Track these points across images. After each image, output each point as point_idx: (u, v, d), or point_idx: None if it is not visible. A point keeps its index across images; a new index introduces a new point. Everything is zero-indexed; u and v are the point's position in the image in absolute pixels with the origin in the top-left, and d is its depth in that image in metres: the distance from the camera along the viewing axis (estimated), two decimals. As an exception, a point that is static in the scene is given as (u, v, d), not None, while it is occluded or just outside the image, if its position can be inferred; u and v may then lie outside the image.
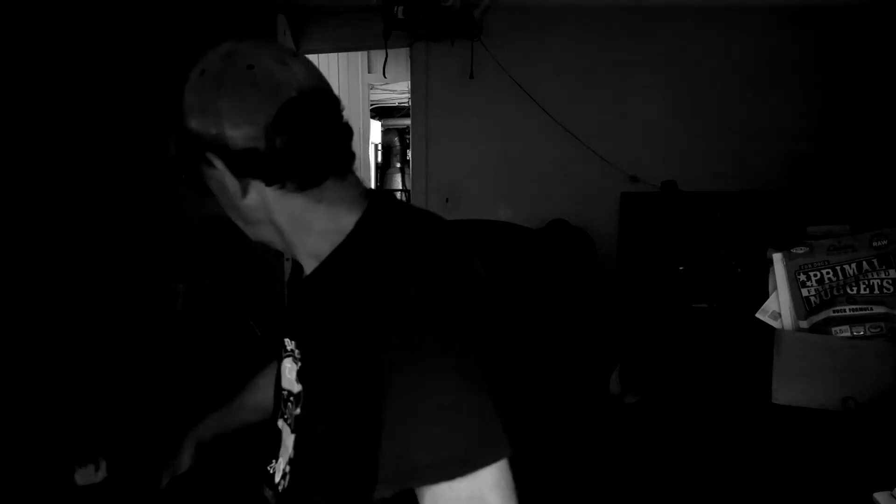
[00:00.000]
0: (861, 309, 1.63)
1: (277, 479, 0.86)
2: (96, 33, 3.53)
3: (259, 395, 1.17)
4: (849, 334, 1.62)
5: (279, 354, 0.94)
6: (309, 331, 0.84)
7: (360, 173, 0.91)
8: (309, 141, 0.79)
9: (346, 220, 0.83)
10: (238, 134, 0.76)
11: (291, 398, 0.86)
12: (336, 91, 0.86)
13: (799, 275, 1.72)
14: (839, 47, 2.86)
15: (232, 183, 0.80)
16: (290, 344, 0.89)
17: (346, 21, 3.45)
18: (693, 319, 2.38)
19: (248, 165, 0.78)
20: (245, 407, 1.24)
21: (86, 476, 1.70)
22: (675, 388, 2.03)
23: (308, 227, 0.84)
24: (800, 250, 1.74)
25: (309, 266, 0.87)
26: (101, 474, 1.72)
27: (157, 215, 3.75)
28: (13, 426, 2.16)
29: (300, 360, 0.84)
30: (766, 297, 1.76)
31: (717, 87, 3.04)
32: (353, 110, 5.81)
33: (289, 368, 0.88)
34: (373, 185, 5.33)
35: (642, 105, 3.15)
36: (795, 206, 2.54)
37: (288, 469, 0.83)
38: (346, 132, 0.84)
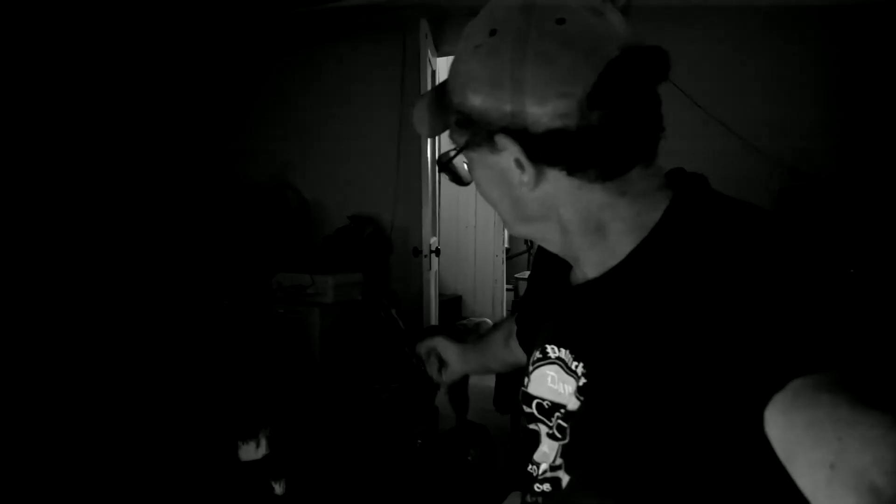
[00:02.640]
0: None
1: (538, 484, 0.81)
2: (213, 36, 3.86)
3: (502, 352, 1.13)
4: None
5: (527, 359, 0.85)
6: (603, 343, 0.70)
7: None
8: (630, 116, 0.63)
9: (649, 215, 0.68)
10: (544, 111, 0.61)
11: (561, 410, 0.77)
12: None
13: None
14: None
15: (523, 171, 0.65)
16: (555, 352, 0.78)
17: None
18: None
19: (551, 149, 0.63)
20: (493, 355, 1.18)
21: (248, 452, 1.91)
22: None
23: (604, 226, 0.69)
24: None
25: (591, 269, 0.73)
26: (262, 451, 1.93)
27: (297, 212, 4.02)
28: (184, 406, 2.48)
29: (584, 375, 0.72)
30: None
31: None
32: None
33: (552, 377, 0.78)
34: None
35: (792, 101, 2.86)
36: None
37: (549, 475, 0.78)
38: (658, 103, 0.66)
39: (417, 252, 3.37)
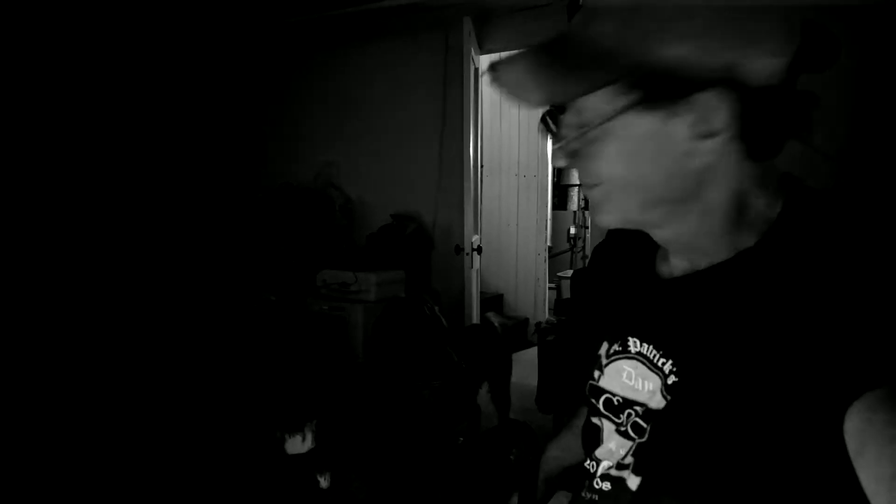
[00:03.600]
0: None
1: (597, 481, 0.78)
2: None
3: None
4: None
5: (593, 352, 0.82)
6: (700, 341, 0.67)
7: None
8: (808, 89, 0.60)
9: (773, 208, 0.65)
10: (763, 65, 0.57)
11: (635, 408, 0.74)
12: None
13: None
14: None
15: (703, 138, 0.60)
16: (637, 346, 0.75)
17: (527, 18, 3.46)
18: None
19: (762, 109, 0.59)
20: (573, 449, 1.00)
21: (294, 446, 1.95)
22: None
23: (742, 212, 0.65)
24: None
25: (702, 259, 0.69)
26: (308, 445, 1.97)
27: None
28: (231, 399, 2.55)
29: (674, 373, 0.69)
30: None
31: None
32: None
33: (628, 373, 0.75)
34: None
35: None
36: None
37: (613, 473, 0.76)
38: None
39: (459, 250, 3.37)
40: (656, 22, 0.57)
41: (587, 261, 4.17)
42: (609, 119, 0.60)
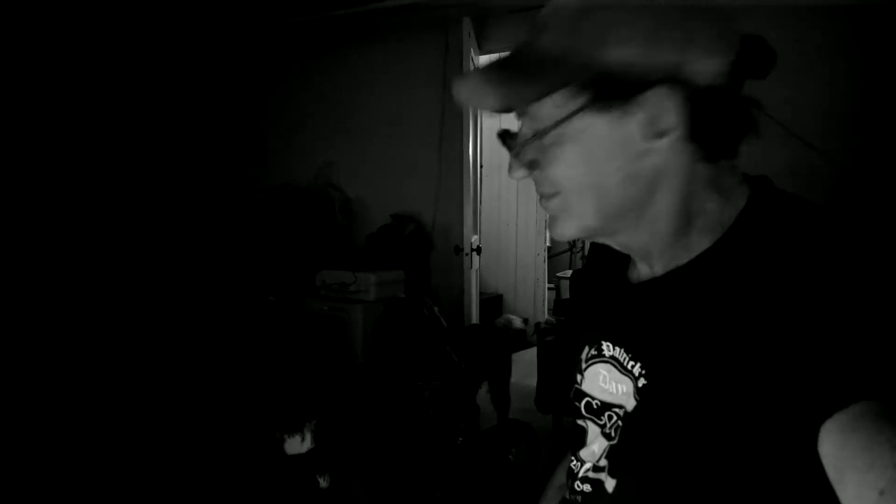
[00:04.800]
0: None
1: (578, 483, 0.79)
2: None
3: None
4: None
5: (576, 355, 0.83)
6: (665, 344, 0.67)
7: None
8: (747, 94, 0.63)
9: (729, 211, 0.66)
10: (709, 65, 0.59)
11: (614, 410, 0.75)
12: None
13: None
14: None
15: (654, 137, 0.61)
16: (610, 350, 0.76)
17: (527, 19, 3.46)
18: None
19: (709, 108, 0.60)
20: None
21: (293, 446, 1.95)
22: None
23: (692, 217, 0.66)
24: None
25: (659, 265, 0.70)
26: (307, 445, 1.97)
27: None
28: (230, 399, 2.55)
29: (644, 376, 0.69)
30: None
31: None
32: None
33: (604, 376, 0.77)
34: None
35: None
36: None
37: (591, 475, 0.77)
38: None
39: (458, 250, 3.37)
40: (602, 26, 0.59)
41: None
42: (563, 122, 0.62)
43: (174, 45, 4.08)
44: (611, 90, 0.60)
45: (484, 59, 3.65)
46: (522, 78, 0.62)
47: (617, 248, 0.74)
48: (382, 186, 3.94)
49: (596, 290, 0.86)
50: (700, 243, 0.66)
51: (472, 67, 3.34)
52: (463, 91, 0.64)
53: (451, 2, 3.47)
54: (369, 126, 3.97)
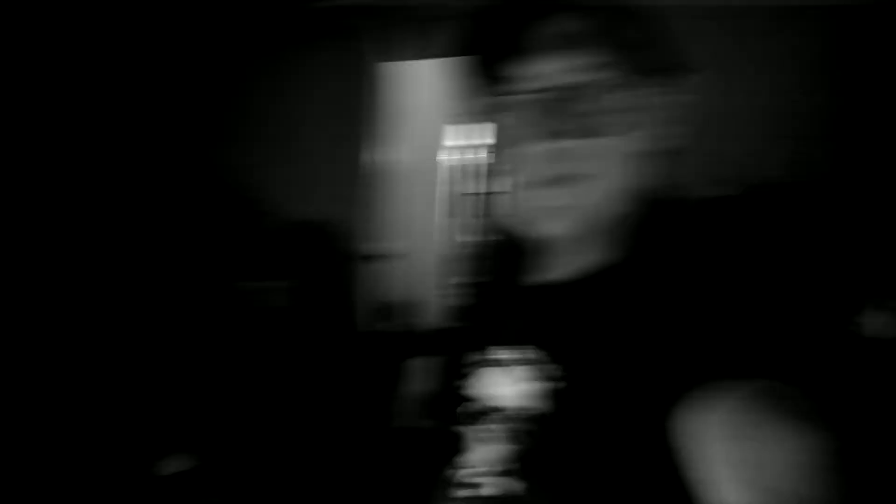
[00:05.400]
0: None
1: (461, 490, 0.78)
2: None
3: None
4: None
5: (468, 360, 0.82)
6: (577, 346, 0.67)
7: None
8: None
9: (635, 212, 0.69)
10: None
11: (508, 413, 0.74)
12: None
13: None
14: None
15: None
16: (513, 353, 0.75)
17: (429, 28, 3.48)
18: None
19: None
20: None
21: (169, 466, 1.82)
22: None
23: (615, 210, 0.69)
24: None
25: (572, 266, 0.71)
26: (184, 464, 1.83)
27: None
28: (96, 418, 2.36)
29: (553, 378, 0.69)
30: None
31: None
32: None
33: (501, 380, 0.75)
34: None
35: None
36: None
37: (484, 480, 0.75)
38: None
39: (368, 257, 3.34)
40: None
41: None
42: (596, 93, 0.62)
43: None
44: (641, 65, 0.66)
45: (396, 65, 3.67)
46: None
47: (546, 239, 0.72)
48: (293, 191, 3.83)
49: (496, 294, 0.86)
50: (614, 243, 0.68)
51: (381, 72, 3.34)
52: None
53: (364, 5, 3.45)
54: (280, 129, 3.86)
